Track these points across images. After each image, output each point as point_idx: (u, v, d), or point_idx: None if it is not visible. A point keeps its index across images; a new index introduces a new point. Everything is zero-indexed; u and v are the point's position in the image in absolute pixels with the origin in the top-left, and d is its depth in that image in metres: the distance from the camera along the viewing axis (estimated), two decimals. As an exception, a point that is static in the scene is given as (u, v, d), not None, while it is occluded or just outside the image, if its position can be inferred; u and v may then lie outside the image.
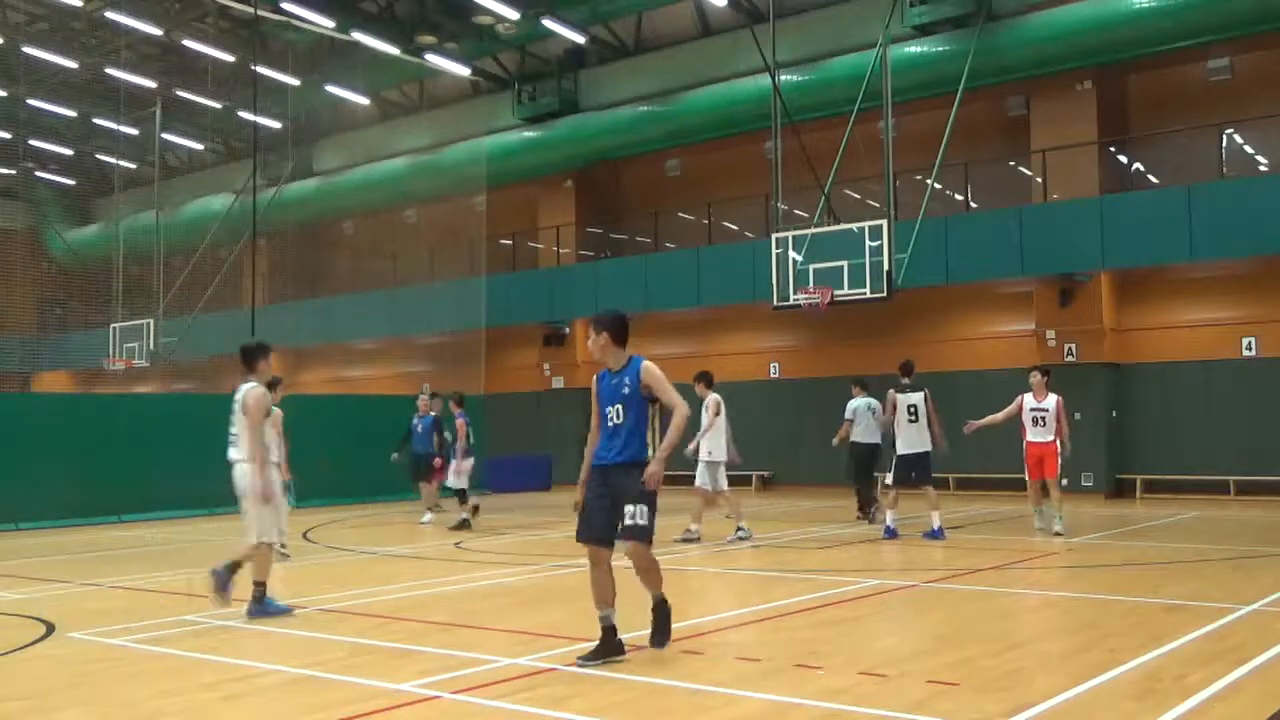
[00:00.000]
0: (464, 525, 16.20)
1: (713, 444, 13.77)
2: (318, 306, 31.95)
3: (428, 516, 17.36)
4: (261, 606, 8.59)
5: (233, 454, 8.78)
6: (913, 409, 13.81)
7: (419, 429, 17.36)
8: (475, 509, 16.69)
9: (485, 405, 26.12)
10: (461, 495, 16.80)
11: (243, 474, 8.72)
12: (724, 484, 13.89)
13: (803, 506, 18.62)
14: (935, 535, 13.58)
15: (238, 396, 8.73)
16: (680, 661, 6.76)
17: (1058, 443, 13.64)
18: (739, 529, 13.78)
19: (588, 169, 28.40)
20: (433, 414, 17.41)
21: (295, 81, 29.05)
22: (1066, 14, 20.69)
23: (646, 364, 6.88)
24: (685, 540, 13.52)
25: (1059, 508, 13.73)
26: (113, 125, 32.72)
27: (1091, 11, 20.40)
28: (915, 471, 13.79)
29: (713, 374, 14.37)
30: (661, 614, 7.00)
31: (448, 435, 17.29)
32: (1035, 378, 13.86)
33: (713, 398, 13.87)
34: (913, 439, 13.76)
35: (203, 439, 18.83)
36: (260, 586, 8.65)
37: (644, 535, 6.78)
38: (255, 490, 8.61)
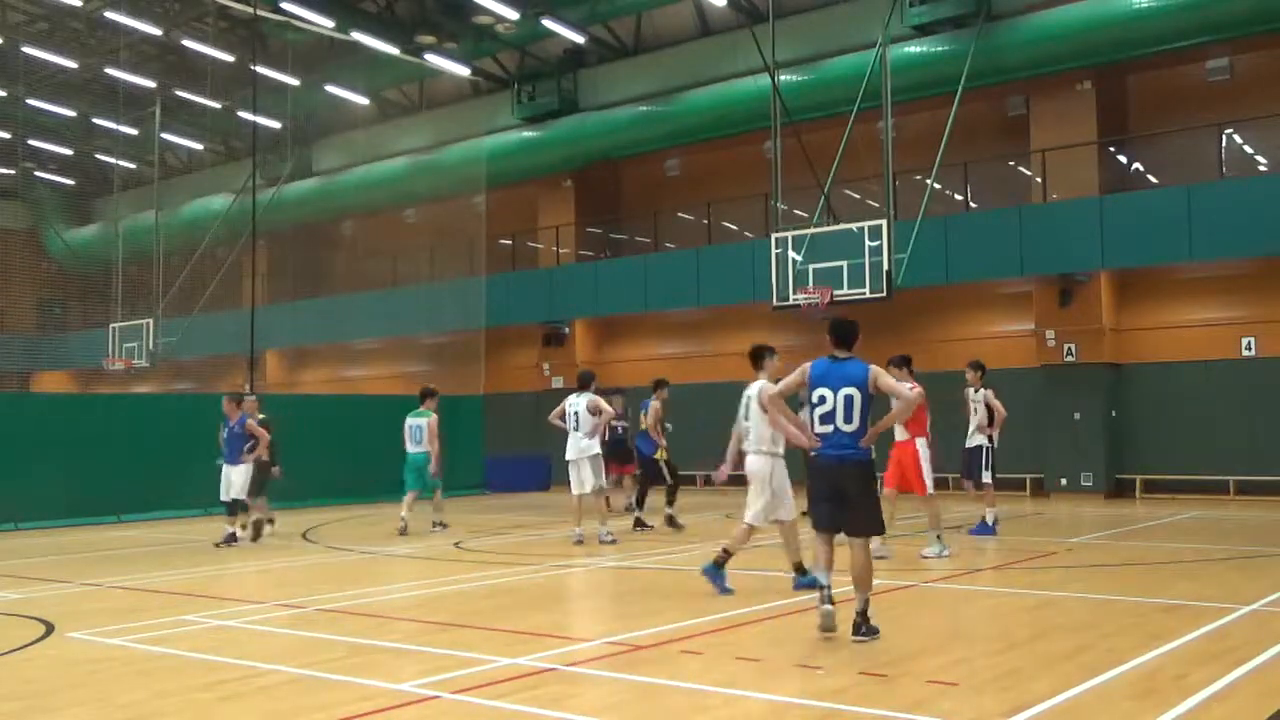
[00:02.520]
0: (230, 540, 14.22)
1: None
2: (318, 306, 31.94)
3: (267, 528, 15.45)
4: (805, 578, 9.53)
5: (746, 445, 9.60)
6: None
7: (225, 436, 14.61)
8: (255, 525, 14.78)
9: (485, 405, 26.17)
10: (232, 507, 14.44)
11: (754, 462, 9.49)
12: (602, 481, 14.03)
13: (802, 506, 18.57)
14: (988, 531, 13.75)
15: (750, 393, 9.45)
16: (680, 661, 6.77)
17: (918, 443, 11.56)
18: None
19: (587, 169, 28.39)
20: (246, 416, 14.51)
21: (295, 81, 29.02)
22: (1066, 14, 20.67)
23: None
24: (606, 542, 13.53)
25: (935, 525, 11.65)
26: (112, 125, 32.70)
27: (1091, 11, 20.39)
28: None
29: (593, 376, 14.77)
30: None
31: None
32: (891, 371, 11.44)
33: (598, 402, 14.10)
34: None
35: (203, 439, 19.05)
36: (800, 567, 9.72)
37: None
38: (764, 478, 9.45)
